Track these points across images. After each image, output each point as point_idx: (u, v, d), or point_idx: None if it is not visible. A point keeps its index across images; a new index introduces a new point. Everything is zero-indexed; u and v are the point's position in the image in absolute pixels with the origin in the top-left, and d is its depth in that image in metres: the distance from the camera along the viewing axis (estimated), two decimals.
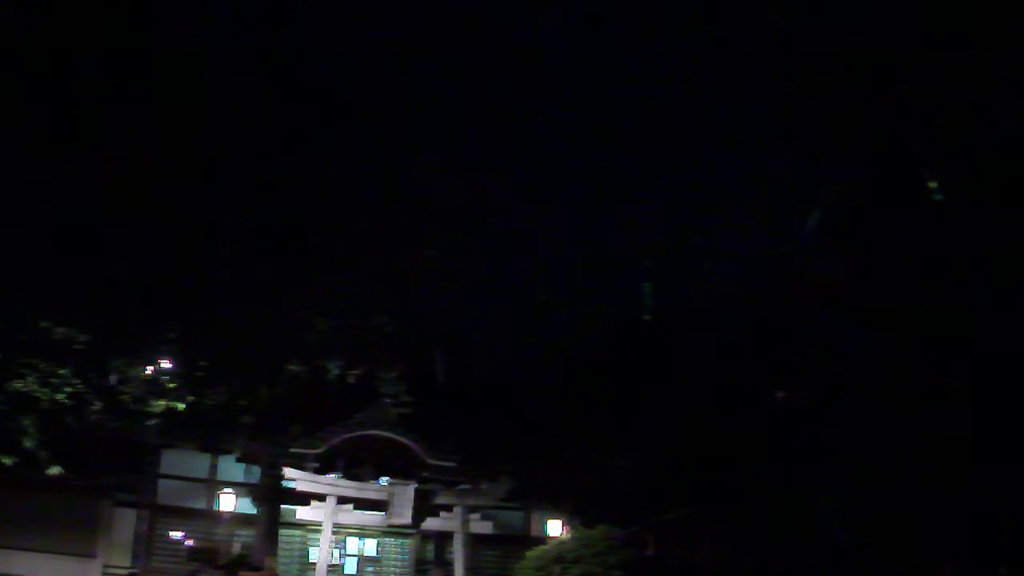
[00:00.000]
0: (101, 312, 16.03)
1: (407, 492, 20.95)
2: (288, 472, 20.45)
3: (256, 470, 21.51)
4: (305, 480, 20.52)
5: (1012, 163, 14.37)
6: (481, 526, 21.80)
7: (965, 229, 14.86)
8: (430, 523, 21.60)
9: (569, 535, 21.63)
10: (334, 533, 21.16)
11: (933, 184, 15.11)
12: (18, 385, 16.79)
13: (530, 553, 21.47)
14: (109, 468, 20.86)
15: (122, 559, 20.92)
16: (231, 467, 22.20)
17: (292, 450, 20.73)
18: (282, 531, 21.49)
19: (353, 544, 22.78)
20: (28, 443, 17.17)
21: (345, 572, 22.57)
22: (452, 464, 21.59)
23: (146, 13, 13.99)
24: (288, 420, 20.85)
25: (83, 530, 20.64)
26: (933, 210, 15.43)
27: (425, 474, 21.50)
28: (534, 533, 23.56)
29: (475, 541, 21.91)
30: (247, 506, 21.33)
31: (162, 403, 18.24)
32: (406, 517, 20.92)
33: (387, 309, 19.14)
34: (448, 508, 21.56)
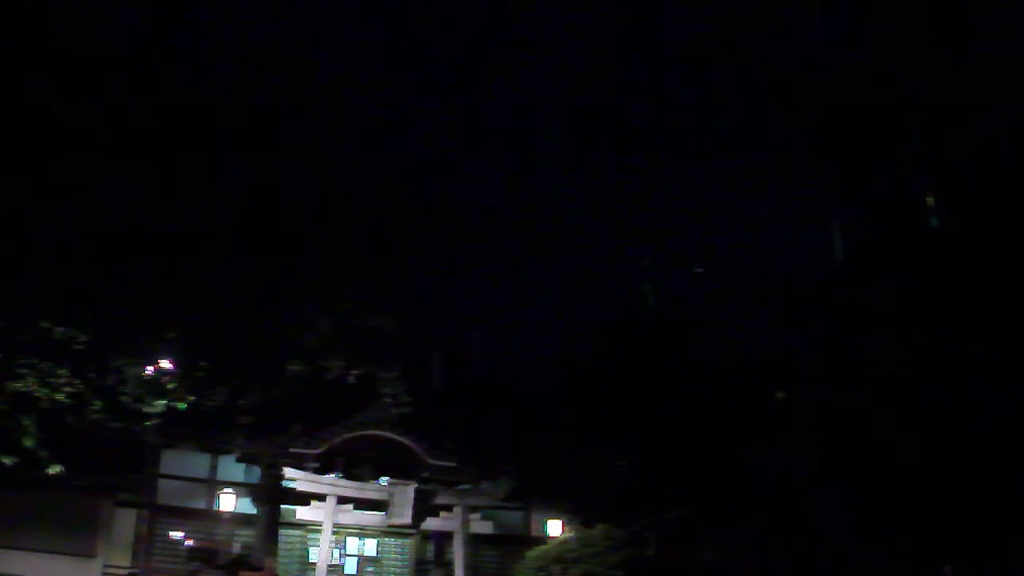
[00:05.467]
0: (101, 312, 16.01)
1: (407, 492, 20.96)
2: (288, 472, 20.45)
3: (256, 470, 21.50)
4: (305, 480, 20.52)
5: (1011, 166, 14.38)
6: (481, 526, 21.81)
7: (966, 231, 14.87)
8: (430, 523, 21.60)
9: (569, 535, 21.64)
10: (334, 533, 21.16)
11: (930, 200, 15.13)
12: (18, 385, 16.76)
13: (530, 553, 21.48)
14: (109, 468, 20.84)
15: (122, 559, 20.90)
16: (231, 467, 22.20)
17: (292, 450, 20.73)
18: (282, 531, 21.49)
19: (353, 544, 22.78)
20: (28, 443, 17.15)
21: (345, 572, 22.57)
22: (452, 464, 21.59)
23: (147, 10, 14.00)
24: (288, 420, 20.84)
25: (83, 530, 20.61)
26: (934, 212, 15.45)
27: (425, 474, 21.50)
28: (534, 533, 23.55)
29: (475, 541, 21.92)
30: (247, 506, 21.32)
31: (162, 403, 18.20)
32: (406, 517, 20.92)
33: (387, 309, 19.13)
34: (448, 508, 21.56)
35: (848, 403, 16.84)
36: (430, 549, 23.03)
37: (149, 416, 18.37)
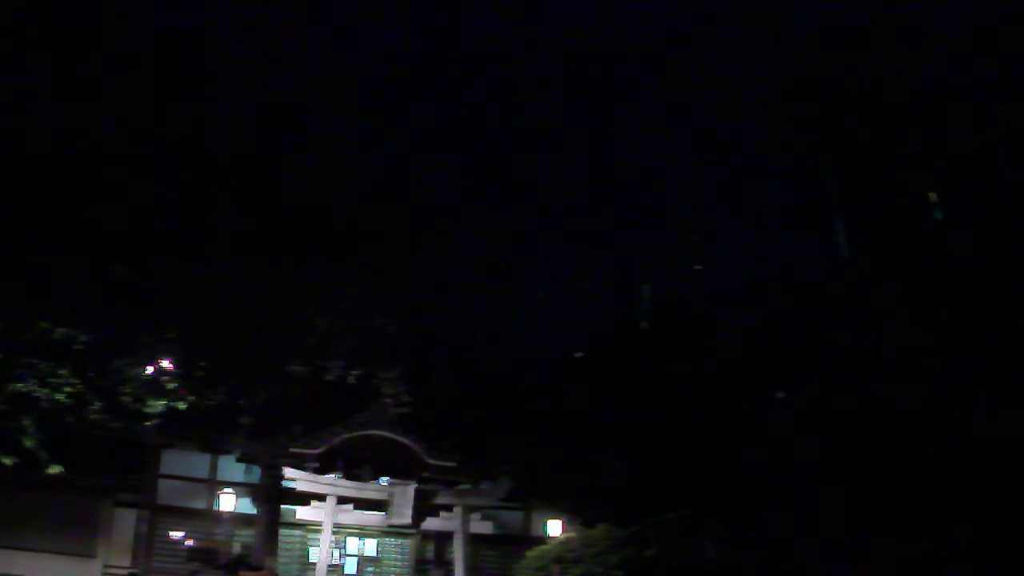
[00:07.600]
0: (101, 312, 16.04)
1: (407, 492, 20.94)
2: (288, 472, 20.43)
3: (256, 470, 21.50)
4: (305, 480, 20.50)
5: (1010, 164, 14.39)
6: (481, 526, 21.78)
7: (965, 230, 14.89)
8: (430, 523, 21.57)
9: (569, 535, 21.63)
10: (334, 533, 21.14)
11: (933, 196, 15.13)
12: (18, 385, 16.78)
13: (530, 553, 21.47)
14: (109, 468, 20.85)
15: (122, 559, 20.90)
16: (231, 467, 22.19)
17: (292, 450, 20.71)
18: (282, 531, 21.48)
19: (353, 544, 22.77)
20: (28, 443, 17.18)
21: (345, 572, 22.56)
22: (452, 464, 21.57)
23: (153, 14, 14.03)
24: (288, 420, 20.84)
25: (83, 530, 20.61)
26: (932, 211, 15.46)
27: (425, 474, 21.48)
28: (534, 533, 23.54)
29: (475, 541, 21.90)
30: (247, 506, 21.31)
31: (162, 403, 18.23)
32: (406, 517, 20.90)
33: (387, 309, 19.16)
34: (448, 508, 21.54)
35: (848, 403, 16.85)
36: (430, 549, 23.02)
37: (149, 416, 18.38)
